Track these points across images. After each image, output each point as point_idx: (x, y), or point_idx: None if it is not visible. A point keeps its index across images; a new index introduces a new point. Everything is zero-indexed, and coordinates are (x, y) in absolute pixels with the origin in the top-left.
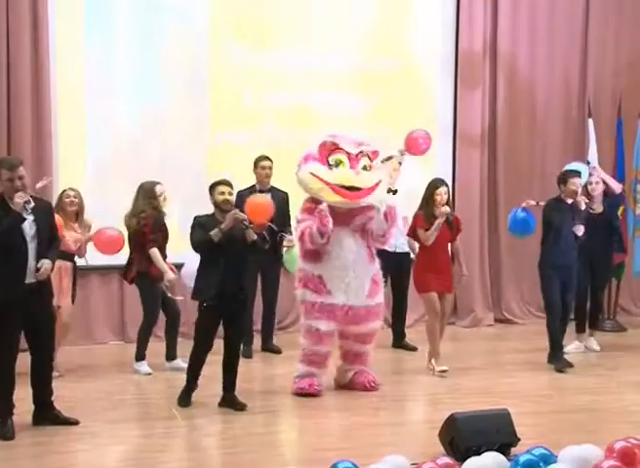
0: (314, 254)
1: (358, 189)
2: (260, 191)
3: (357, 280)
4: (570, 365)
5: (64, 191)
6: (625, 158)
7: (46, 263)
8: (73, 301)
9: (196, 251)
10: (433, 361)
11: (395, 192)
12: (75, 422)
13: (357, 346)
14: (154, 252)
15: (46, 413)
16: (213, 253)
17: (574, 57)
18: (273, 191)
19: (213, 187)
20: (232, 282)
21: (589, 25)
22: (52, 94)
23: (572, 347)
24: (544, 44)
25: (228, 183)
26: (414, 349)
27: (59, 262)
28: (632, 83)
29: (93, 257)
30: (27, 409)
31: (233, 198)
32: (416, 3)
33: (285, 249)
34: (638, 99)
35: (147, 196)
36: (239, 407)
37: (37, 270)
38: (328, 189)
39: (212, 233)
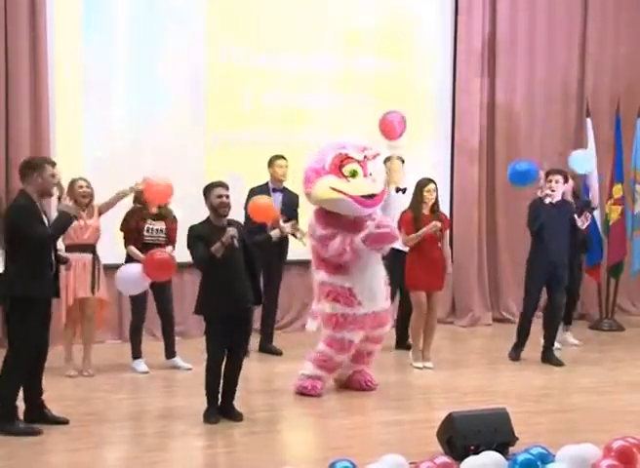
0: (342, 267)
1: (375, 196)
2: (274, 190)
3: (378, 286)
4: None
5: (76, 181)
6: (624, 158)
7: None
8: (93, 293)
9: (199, 268)
10: (411, 354)
11: (404, 191)
12: (65, 421)
13: (370, 346)
14: (130, 249)
15: (38, 412)
16: (215, 266)
17: (572, 56)
18: (285, 192)
19: (208, 189)
20: (237, 293)
21: (588, 24)
22: (50, 94)
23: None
24: (543, 43)
25: (225, 185)
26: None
27: (78, 255)
28: (631, 82)
29: None
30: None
31: (230, 200)
32: (414, 4)
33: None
34: (636, 99)
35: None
36: (235, 417)
37: (64, 263)
38: (350, 201)
39: (213, 249)
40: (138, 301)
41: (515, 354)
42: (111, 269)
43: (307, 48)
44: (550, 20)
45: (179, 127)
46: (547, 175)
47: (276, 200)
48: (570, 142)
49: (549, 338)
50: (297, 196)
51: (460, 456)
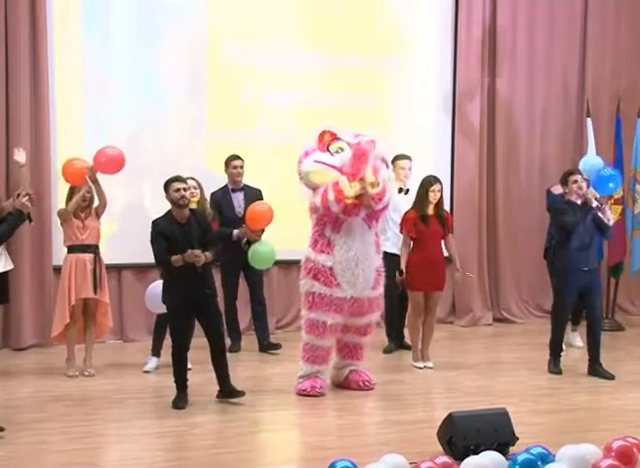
0: (326, 245)
1: None
2: (233, 190)
3: (365, 271)
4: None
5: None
6: (624, 158)
7: None
8: (95, 292)
9: (159, 265)
10: (411, 354)
11: (407, 192)
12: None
13: (357, 339)
14: None
15: None
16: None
17: (573, 56)
18: (246, 189)
19: (167, 184)
20: (197, 284)
21: (588, 24)
22: (50, 93)
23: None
24: (543, 43)
25: (183, 180)
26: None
27: (77, 255)
28: (631, 82)
29: None
30: (29, 407)
31: (189, 193)
32: (415, 3)
33: (247, 245)
34: (637, 99)
35: None
36: (237, 395)
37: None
38: (333, 171)
39: (173, 259)
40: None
41: (556, 368)
42: (114, 269)
43: (308, 47)
44: (551, 20)
45: (179, 126)
46: (568, 176)
47: (237, 199)
48: (570, 143)
49: (596, 351)
50: (259, 191)
51: (460, 456)
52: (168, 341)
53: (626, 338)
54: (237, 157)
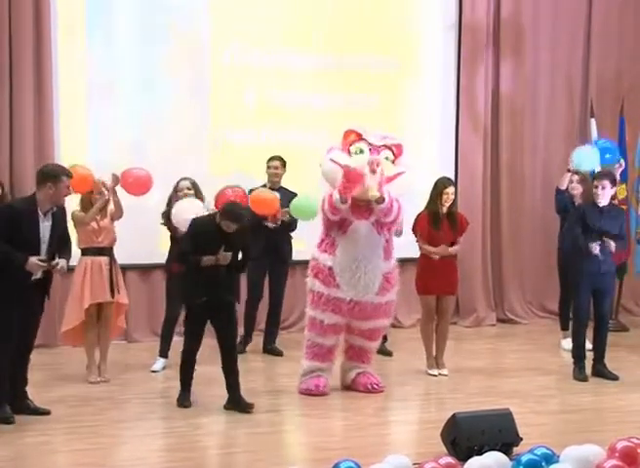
0: (329, 245)
1: None
2: (271, 189)
3: (367, 275)
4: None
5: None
6: (628, 158)
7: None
8: (113, 296)
9: (177, 261)
10: (425, 361)
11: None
12: (46, 412)
13: (361, 341)
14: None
15: (20, 403)
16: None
17: (576, 56)
18: (282, 191)
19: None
20: (218, 286)
21: (592, 24)
22: (54, 96)
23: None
24: (547, 42)
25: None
26: (389, 354)
27: (94, 258)
28: (635, 82)
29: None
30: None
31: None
32: (416, 4)
33: (286, 214)
34: None
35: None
36: (245, 408)
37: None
38: (341, 172)
39: (205, 259)
40: (168, 297)
41: (581, 375)
42: (130, 270)
43: (310, 47)
44: (555, 20)
45: (183, 127)
46: (593, 179)
47: None
48: (574, 143)
49: (601, 352)
50: (295, 195)
51: (464, 457)
52: (174, 343)
53: (630, 339)
54: (275, 158)
